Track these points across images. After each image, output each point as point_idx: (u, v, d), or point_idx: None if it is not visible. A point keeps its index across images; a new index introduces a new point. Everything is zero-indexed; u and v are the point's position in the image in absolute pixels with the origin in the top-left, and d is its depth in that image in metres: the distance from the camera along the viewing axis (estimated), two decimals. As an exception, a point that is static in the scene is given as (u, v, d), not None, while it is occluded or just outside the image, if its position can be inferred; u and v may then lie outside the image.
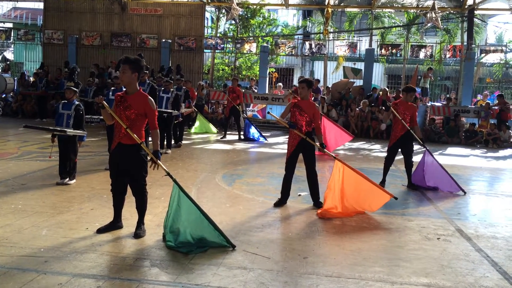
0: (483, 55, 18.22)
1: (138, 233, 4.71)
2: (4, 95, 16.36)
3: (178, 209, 4.50)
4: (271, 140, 13.09)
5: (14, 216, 5.16)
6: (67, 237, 4.59)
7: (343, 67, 18.92)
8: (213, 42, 18.56)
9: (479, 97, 18.90)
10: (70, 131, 6.44)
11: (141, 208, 4.81)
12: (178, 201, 4.50)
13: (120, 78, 4.69)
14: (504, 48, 18.79)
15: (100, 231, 4.76)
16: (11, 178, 6.99)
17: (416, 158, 7.94)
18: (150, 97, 4.72)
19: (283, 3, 19.43)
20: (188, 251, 4.31)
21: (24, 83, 16.98)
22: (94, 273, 3.80)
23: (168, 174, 4.59)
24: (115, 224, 4.88)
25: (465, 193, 7.30)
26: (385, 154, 7.87)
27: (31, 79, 17.77)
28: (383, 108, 14.52)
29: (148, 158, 4.67)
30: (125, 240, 4.62)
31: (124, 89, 4.87)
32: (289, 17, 31.69)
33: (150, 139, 4.88)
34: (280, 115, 6.51)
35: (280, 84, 19.70)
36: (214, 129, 14.10)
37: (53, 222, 5.03)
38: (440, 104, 16.67)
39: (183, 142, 11.30)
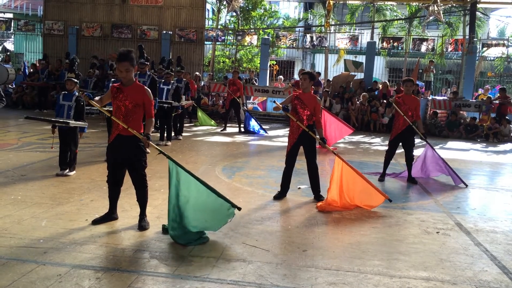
0: (485, 49, 18.14)
1: (143, 225, 4.71)
2: None
3: (178, 184, 4.44)
4: (271, 133, 13.07)
5: (14, 207, 5.16)
6: (66, 228, 4.59)
7: (344, 60, 18.85)
8: (214, 34, 18.47)
9: (480, 91, 18.84)
10: (73, 123, 6.44)
11: (143, 200, 4.81)
12: (177, 176, 4.44)
13: (125, 77, 4.60)
14: (506, 42, 18.70)
15: (95, 222, 4.76)
16: (11, 169, 6.99)
17: (417, 152, 7.94)
18: (146, 88, 4.75)
19: (285, -5, 19.32)
20: (187, 243, 4.31)
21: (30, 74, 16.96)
22: (93, 264, 3.81)
23: (161, 152, 4.61)
24: (110, 215, 4.88)
25: (466, 186, 7.30)
26: (385, 148, 7.87)
27: (31, 70, 17.72)
28: (385, 101, 14.52)
29: (145, 146, 4.69)
30: (124, 231, 4.62)
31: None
32: (290, 9, 31.57)
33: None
34: (280, 103, 6.48)
35: (281, 76, 19.63)
36: (212, 122, 14.06)
37: (52, 213, 5.03)
38: (441, 98, 16.63)
39: (183, 134, 11.28)
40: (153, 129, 4.87)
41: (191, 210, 4.46)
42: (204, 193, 4.47)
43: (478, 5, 18.41)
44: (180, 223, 4.43)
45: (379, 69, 19.55)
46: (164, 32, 17.61)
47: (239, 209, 4.53)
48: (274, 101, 6.34)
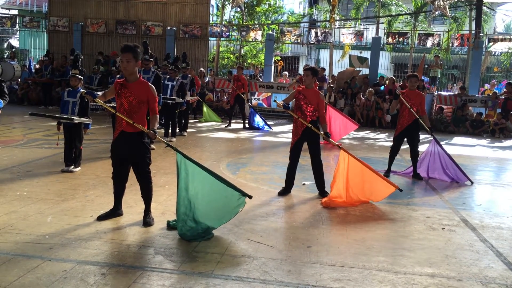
0: (491, 44, 17.98)
1: (148, 221, 4.72)
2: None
3: (187, 177, 4.43)
4: (275, 129, 13.06)
5: (19, 203, 5.19)
6: (72, 224, 4.61)
7: (349, 55, 18.78)
8: (218, 30, 18.43)
9: (487, 86, 18.71)
10: (77, 119, 6.46)
11: (147, 196, 4.82)
12: (185, 168, 4.44)
13: (125, 68, 4.59)
14: (512, 36, 18.56)
15: (100, 218, 4.78)
16: (16, 165, 7.02)
17: (423, 148, 7.89)
18: (151, 84, 4.75)
19: (289, -10, 19.25)
20: (192, 239, 4.31)
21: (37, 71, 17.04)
22: (98, 260, 3.82)
23: (168, 144, 4.63)
24: (115, 211, 4.90)
25: (472, 183, 7.25)
26: (390, 144, 7.83)
27: (37, 66, 17.77)
28: (388, 96, 14.46)
29: (149, 142, 4.72)
30: (129, 227, 4.64)
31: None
32: (295, 5, 31.43)
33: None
34: (283, 100, 6.47)
35: (286, 72, 19.58)
36: (217, 118, 14.08)
37: (58, 209, 5.05)
38: (447, 94, 16.53)
39: (188, 130, 11.29)
40: (157, 125, 4.88)
41: (202, 202, 4.44)
42: (214, 184, 4.44)
43: (484, 0, 18.25)
44: (192, 216, 4.41)
45: (385, 65, 19.45)
46: (169, 28, 17.59)
47: (250, 197, 4.47)
48: (275, 100, 6.33)
